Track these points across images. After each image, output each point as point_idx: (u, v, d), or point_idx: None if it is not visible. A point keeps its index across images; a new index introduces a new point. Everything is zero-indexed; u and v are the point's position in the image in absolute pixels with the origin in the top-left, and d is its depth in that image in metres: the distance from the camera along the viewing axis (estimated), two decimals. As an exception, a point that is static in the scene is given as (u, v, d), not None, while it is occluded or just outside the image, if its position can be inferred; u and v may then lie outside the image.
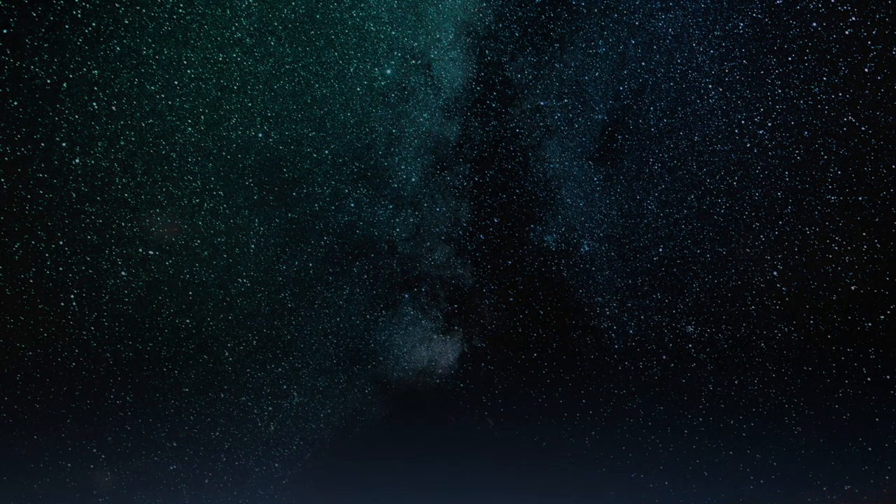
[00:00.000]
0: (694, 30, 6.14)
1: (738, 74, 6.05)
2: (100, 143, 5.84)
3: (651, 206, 6.59)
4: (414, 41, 6.59)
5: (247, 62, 6.21)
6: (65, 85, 5.60)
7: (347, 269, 6.98)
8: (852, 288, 5.94)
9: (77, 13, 5.51)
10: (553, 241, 6.94)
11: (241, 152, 6.41)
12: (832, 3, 5.63)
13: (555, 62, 6.57)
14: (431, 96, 6.78)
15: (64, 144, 5.72)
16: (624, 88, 6.47)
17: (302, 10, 6.26)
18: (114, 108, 5.81)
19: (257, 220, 6.61)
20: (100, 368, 6.34)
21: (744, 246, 6.31)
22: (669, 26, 6.20)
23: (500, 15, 6.56)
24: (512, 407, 7.28)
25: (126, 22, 5.70)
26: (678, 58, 6.23)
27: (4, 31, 5.32)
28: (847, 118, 5.74)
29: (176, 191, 6.24)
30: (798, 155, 5.97)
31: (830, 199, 5.91)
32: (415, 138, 6.87)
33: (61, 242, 5.92)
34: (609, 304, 6.87)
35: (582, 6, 6.40)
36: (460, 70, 6.73)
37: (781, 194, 6.09)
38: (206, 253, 6.46)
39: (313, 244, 6.85)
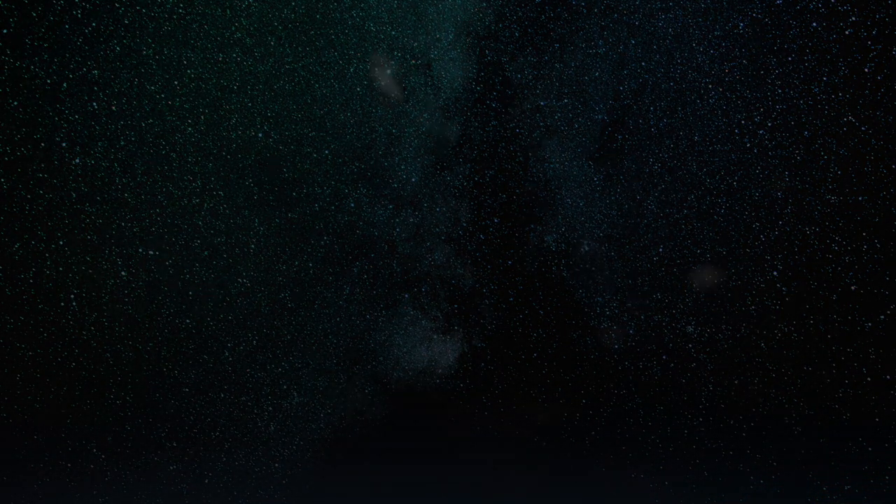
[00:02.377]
0: (694, 30, 6.14)
1: (738, 74, 6.05)
2: (100, 143, 5.84)
3: (651, 206, 6.59)
4: (414, 41, 6.59)
5: (247, 62, 6.21)
6: (65, 85, 5.60)
7: (347, 269, 6.98)
8: (852, 288, 5.94)
9: (77, 13, 5.51)
10: (553, 241, 6.95)
11: (241, 152, 6.41)
12: (832, 3, 5.63)
13: (555, 62, 6.57)
14: (431, 96, 6.78)
15: (64, 144, 5.72)
16: (624, 88, 6.48)
17: (302, 10, 6.27)
18: (114, 108, 5.81)
19: (257, 220, 6.61)
20: (100, 368, 6.34)
21: (744, 246, 6.31)
22: (669, 26, 6.20)
23: (500, 15, 6.57)
24: (512, 407, 7.28)
25: (126, 22, 5.70)
26: (678, 58, 6.23)
27: (4, 31, 5.32)
28: (847, 118, 5.74)
29: (176, 191, 6.24)
30: (798, 155, 5.97)
31: (830, 199, 5.91)
32: (415, 138, 6.87)
33: (61, 242, 5.92)
34: (609, 304, 6.87)
35: (582, 6, 6.40)
36: (460, 70, 6.73)
37: (781, 194, 6.09)
38: (206, 253, 6.46)
39: (313, 244, 6.85)
